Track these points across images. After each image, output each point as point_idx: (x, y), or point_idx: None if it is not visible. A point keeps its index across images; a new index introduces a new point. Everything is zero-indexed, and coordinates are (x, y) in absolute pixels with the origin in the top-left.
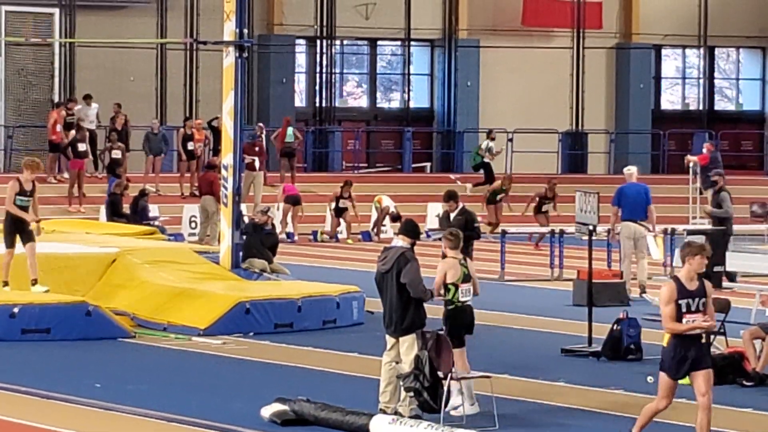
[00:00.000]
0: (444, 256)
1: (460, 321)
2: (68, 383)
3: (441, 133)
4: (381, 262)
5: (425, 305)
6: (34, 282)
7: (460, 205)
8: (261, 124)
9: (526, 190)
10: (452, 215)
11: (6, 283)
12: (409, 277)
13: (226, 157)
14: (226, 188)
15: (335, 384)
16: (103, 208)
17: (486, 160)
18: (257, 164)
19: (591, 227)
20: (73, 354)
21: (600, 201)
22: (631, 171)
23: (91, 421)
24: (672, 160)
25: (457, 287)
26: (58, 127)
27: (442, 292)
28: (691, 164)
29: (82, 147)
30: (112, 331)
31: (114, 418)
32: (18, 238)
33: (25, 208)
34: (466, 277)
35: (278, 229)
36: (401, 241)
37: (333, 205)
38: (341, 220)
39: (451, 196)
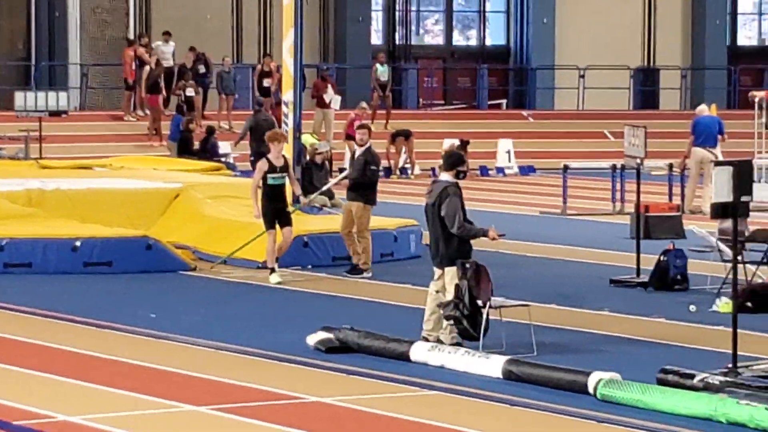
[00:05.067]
0: None
1: None
2: (126, 314)
3: (514, 69)
4: (427, 194)
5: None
6: (272, 270)
7: (368, 143)
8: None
9: (599, 126)
10: (357, 153)
11: (273, 270)
12: (445, 211)
13: (287, 94)
14: (286, 124)
15: (386, 314)
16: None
17: None
18: (336, 103)
19: (639, 161)
20: (132, 286)
21: (664, 137)
22: (702, 108)
23: (142, 350)
24: (744, 96)
25: None
26: (133, 65)
27: None
28: (756, 99)
29: (160, 84)
30: (172, 264)
31: (164, 347)
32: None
33: (279, 187)
34: None
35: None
36: (447, 176)
37: None
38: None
39: (364, 125)
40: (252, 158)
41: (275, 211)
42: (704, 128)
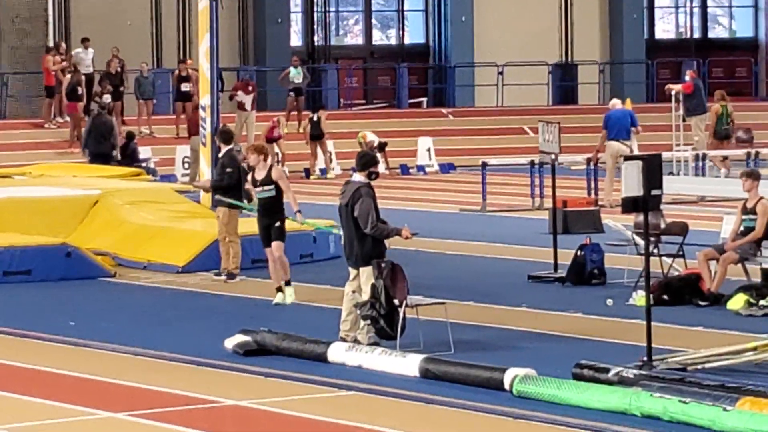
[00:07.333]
0: None
1: None
2: (45, 322)
3: (434, 68)
4: (341, 195)
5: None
6: (288, 282)
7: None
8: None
9: (519, 122)
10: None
11: (279, 289)
12: (358, 211)
13: (204, 98)
14: (204, 128)
15: (303, 316)
16: None
17: None
18: (249, 104)
19: (553, 156)
20: (52, 294)
21: (583, 132)
22: (615, 102)
23: (60, 358)
24: (663, 89)
25: None
26: (53, 72)
27: None
28: (672, 92)
29: (79, 91)
30: (92, 271)
31: (83, 354)
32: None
33: (264, 201)
34: None
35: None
36: (359, 176)
37: None
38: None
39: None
40: (89, 159)
41: (263, 227)
42: (616, 122)
